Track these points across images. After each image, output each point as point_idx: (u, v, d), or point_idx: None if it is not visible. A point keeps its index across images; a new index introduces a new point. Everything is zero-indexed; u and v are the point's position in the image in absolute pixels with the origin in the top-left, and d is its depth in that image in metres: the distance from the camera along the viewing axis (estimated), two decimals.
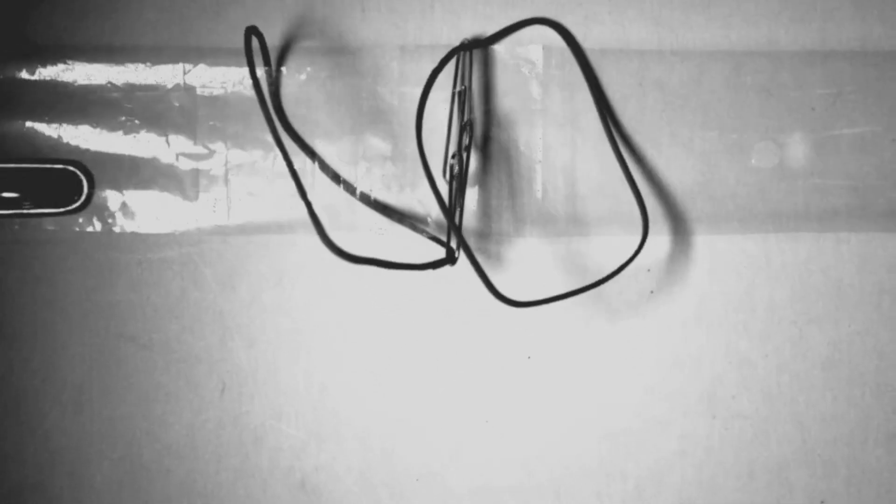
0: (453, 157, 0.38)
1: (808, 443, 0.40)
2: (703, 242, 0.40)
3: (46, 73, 0.39)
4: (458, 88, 0.38)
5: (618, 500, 0.40)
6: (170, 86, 0.39)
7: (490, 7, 0.39)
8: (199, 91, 0.40)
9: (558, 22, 0.39)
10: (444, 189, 0.37)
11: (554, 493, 0.40)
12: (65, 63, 0.39)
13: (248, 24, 0.39)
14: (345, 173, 0.40)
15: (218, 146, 0.40)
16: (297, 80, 0.39)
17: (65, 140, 0.39)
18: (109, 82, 0.39)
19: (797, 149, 0.39)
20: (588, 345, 0.40)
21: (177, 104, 0.40)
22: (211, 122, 0.40)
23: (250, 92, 0.39)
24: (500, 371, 0.40)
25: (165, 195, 0.40)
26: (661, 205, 0.40)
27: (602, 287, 0.40)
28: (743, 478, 0.40)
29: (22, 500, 0.40)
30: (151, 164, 0.40)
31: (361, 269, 0.38)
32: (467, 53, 0.39)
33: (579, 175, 0.39)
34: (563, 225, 0.40)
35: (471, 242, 0.39)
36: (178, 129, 0.40)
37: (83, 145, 0.40)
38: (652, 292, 0.40)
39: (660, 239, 0.40)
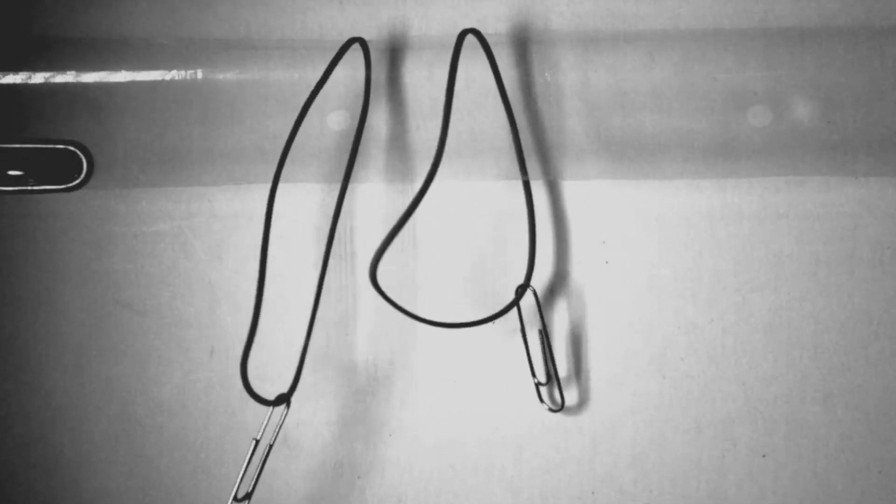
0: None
1: (750, 401, 0.43)
2: (654, 217, 0.43)
3: (49, 64, 0.42)
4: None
5: (575, 452, 0.43)
6: (166, 76, 0.43)
7: None
8: (192, 80, 0.43)
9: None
10: None
11: (516, 446, 0.43)
12: (67, 53, 0.43)
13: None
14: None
15: (209, 134, 0.43)
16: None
17: (67, 121, 0.43)
18: (109, 69, 0.43)
19: (741, 129, 0.43)
20: (549, 311, 0.43)
21: (172, 94, 0.43)
22: (202, 111, 0.43)
23: (236, 81, 0.42)
24: (467, 336, 0.43)
25: (160, 175, 0.43)
26: (616, 181, 0.43)
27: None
28: (690, 432, 0.43)
29: (27, 453, 0.43)
30: (148, 147, 0.43)
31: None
32: None
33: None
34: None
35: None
36: (174, 118, 0.43)
37: (84, 127, 0.43)
38: (607, 262, 0.43)
39: (614, 213, 0.43)
